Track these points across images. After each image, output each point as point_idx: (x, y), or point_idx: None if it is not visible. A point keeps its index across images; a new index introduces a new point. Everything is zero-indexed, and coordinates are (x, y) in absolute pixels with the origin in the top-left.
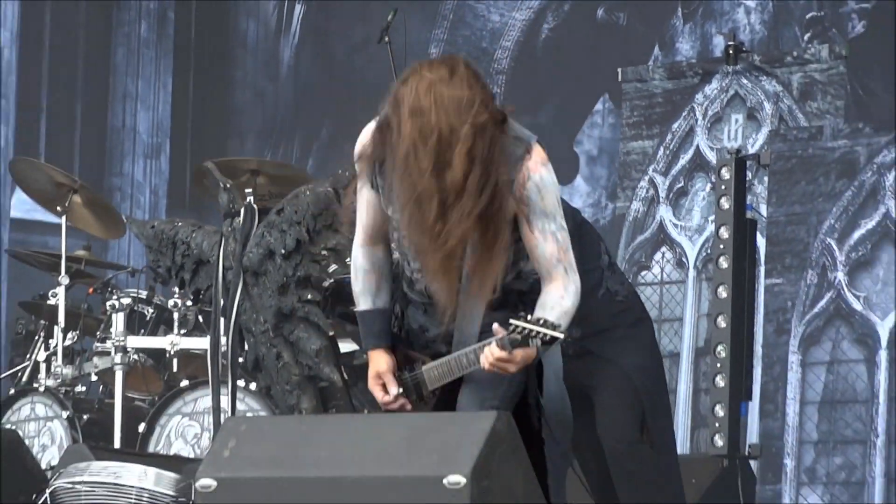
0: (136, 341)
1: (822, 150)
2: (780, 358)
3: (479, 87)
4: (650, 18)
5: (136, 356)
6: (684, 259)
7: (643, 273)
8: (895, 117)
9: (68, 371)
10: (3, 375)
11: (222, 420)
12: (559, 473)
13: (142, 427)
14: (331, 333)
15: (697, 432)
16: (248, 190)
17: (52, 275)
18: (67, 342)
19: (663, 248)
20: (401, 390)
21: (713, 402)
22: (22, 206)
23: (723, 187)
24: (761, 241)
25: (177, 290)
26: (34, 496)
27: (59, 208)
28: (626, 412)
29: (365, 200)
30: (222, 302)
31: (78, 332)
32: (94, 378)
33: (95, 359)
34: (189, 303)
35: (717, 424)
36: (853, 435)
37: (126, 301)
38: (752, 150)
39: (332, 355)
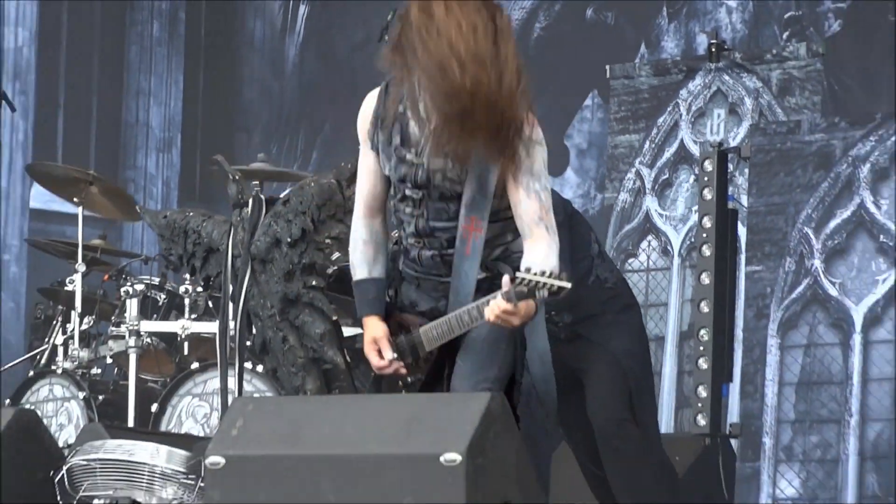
0: (148, 325)
1: (799, 144)
2: (759, 341)
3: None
4: (637, 18)
5: (149, 340)
6: (669, 247)
7: (630, 261)
8: (870, 112)
9: (84, 354)
10: (22, 358)
11: (230, 401)
12: (544, 451)
13: (154, 407)
14: (334, 318)
15: (681, 412)
16: (255, 182)
17: (69, 262)
18: (84, 326)
19: (649, 237)
20: (395, 355)
21: (696, 383)
22: (41, 197)
23: (706, 179)
24: (742, 231)
25: (188, 276)
26: (52, 473)
27: (75, 199)
28: (615, 393)
29: (365, 168)
30: (231, 288)
31: (94, 316)
32: (109, 360)
33: (110, 342)
34: (199, 289)
35: (699, 405)
36: (828, 415)
37: (139, 287)
38: (733, 144)
39: (335, 339)
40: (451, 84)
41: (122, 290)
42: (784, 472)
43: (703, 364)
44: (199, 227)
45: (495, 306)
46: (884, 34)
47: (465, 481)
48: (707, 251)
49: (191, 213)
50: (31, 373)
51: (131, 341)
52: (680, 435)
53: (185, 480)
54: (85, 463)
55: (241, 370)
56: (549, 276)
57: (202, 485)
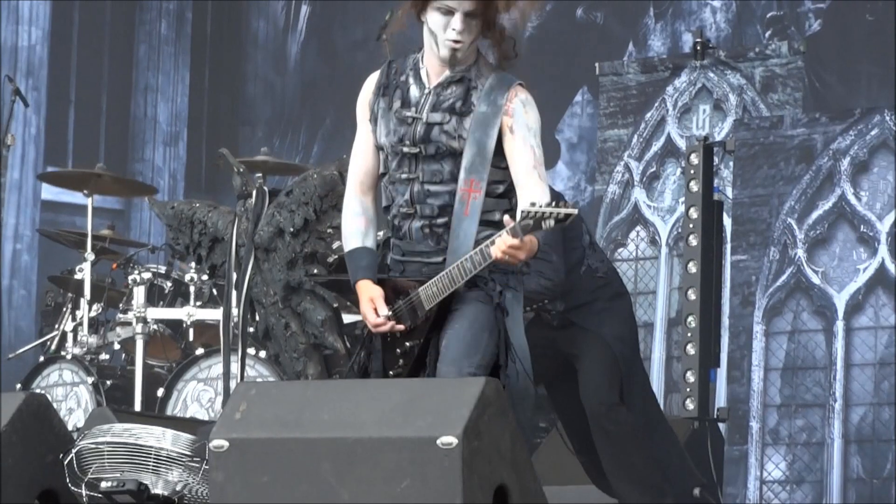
0: (155, 312)
1: (782, 138)
2: (745, 328)
3: None
4: (625, 18)
5: (155, 326)
6: (657, 237)
7: (619, 250)
8: (849, 108)
9: (93, 340)
10: (33, 344)
11: (233, 385)
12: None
13: (160, 392)
14: (335, 305)
15: (670, 397)
16: (259, 174)
17: (79, 252)
18: (93, 313)
19: (638, 228)
20: (391, 312)
21: (684, 368)
22: (52, 188)
23: (692, 172)
24: (727, 221)
25: (193, 265)
26: (61, 455)
27: (85, 191)
28: (606, 378)
29: (360, 147)
30: (235, 276)
31: (102, 304)
32: (116, 346)
33: (118, 329)
34: (205, 277)
35: (688, 389)
36: (813, 399)
37: (147, 275)
38: (718, 138)
39: (336, 325)
40: None
41: (130, 278)
42: (771, 455)
43: (691, 350)
44: (205, 218)
45: (501, 242)
46: (862, 33)
47: (461, 464)
48: (694, 241)
49: (197, 204)
50: (42, 358)
51: (138, 328)
52: (669, 419)
53: (190, 463)
54: (93, 446)
55: (244, 356)
56: (556, 205)
57: (206, 467)
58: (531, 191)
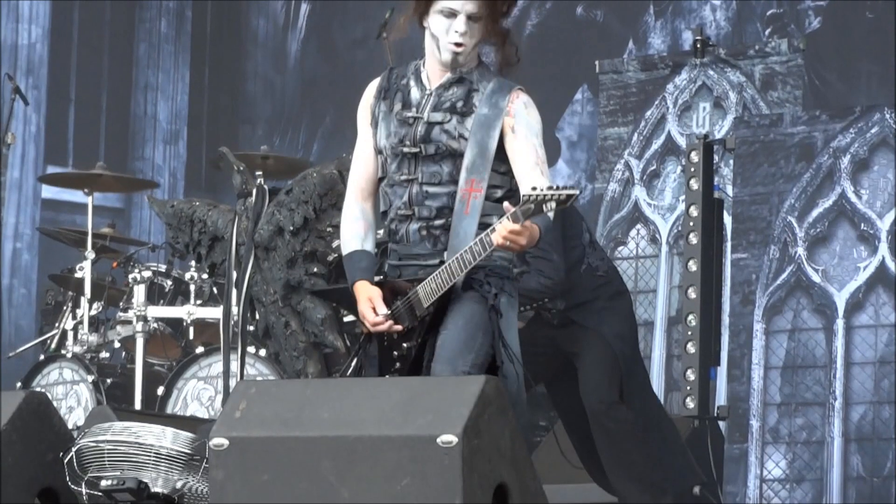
0: (155, 311)
1: (782, 136)
2: (745, 326)
3: None
4: (625, 15)
5: (155, 325)
6: (657, 235)
7: (620, 248)
8: (849, 105)
9: (93, 338)
10: (33, 343)
11: (233, 384)
12: None
13: (160, 390)
14: (334, 304)
15: (670, 395)
16: (259, 172)
17: (79, 250)
18: (93, 312)
19: (638, 226)
20: (389, 312)
21: (685, 367)
22: (52, 187)
23: (692, 170)
24: (727, 219)
25: (193, 263)
26: (61, 454)
27: (86, 189)
28: (606, 376)
29: (360, 153)
30: (235, 275)
31: (102, 302)
32: (117, 345)
33: (118, 327)
34: (205, 276)
35: (688, 388)
36: (813, 398)
37: (147, 274)
38: (718, 136)
39: (335, 324)
40: None
41: (130, 276)
42: (771, 454)
43: (691, 348)
44: (205, 217)
45: (502, 228)
46: (862, 30)
47: (461, 462)
48: (694, 239)
49: (197, 203)
50: (42, 357)
51: (139, 326)
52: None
53: (190, 462)
54: (93, 444)
55: (244, 354)
56: (557, 188)
57: (206, 466)
58: (536, 180)
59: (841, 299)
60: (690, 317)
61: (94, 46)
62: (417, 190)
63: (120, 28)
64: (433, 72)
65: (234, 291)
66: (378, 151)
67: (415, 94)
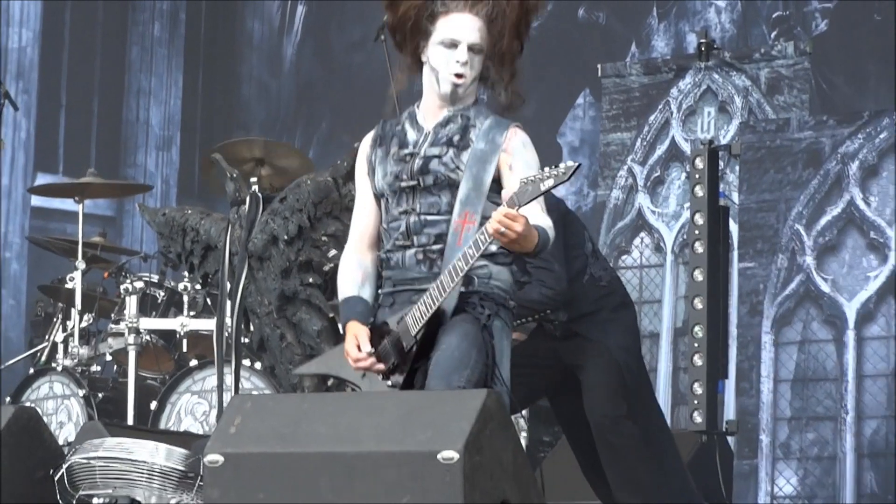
0: (148, 323)
1: (789, 141)
2: (753, 338)
3: None
4: (627, 18)
5: (148, 337)
6: (662, 244)
7: (623, 257)
8: (857, 110)
9: (84, 351)
10: (23, 356)
11: (227, 398)
12: None
13: (153, 405)
14: (331, 315)
15: (677, 409)
16: (253, 179)
17: (69, 260)
18: (84, 324)
19: (642, 234)
20: (373, 349)
21: (691, 380)
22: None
23: (697, 176)
24: (734, 227)
25: (186, 274)
26: (52, 471)
27: (76, 197)
28: (611, 389)
29: (360, 206)
30: (229, 285)
31: (93, 314)
32: (108, 358)
33: (110, 339)
34: (198, 286)
35: (695, 402)
36: (824, 412)
37: (139, 285)
38: (723, 141)
39: (332, 336)
40: None
41: (122, 287)
42: (782, 470)
43: (698, 361)
44: (198, 225)
45: (498, 213)
46: (869, 33)
47: (462, 479)
48: (700, 248)
49: (189, 211)
50: (32, 370)
51: (131, 338)
52: (676, 432)
53: (184, 479)
54: (85, 461)
55: (239, 367)
56: (554, 167)
57: (201, 483)
58: (535, 218)
59: (851, 310)
60: (697, 328)
61: (85, 50)
62: (416, 220)
63: (112, 31)
64: (430, 110)
65: (228, 302)
66: (378, 196)
67: (411, 135)
